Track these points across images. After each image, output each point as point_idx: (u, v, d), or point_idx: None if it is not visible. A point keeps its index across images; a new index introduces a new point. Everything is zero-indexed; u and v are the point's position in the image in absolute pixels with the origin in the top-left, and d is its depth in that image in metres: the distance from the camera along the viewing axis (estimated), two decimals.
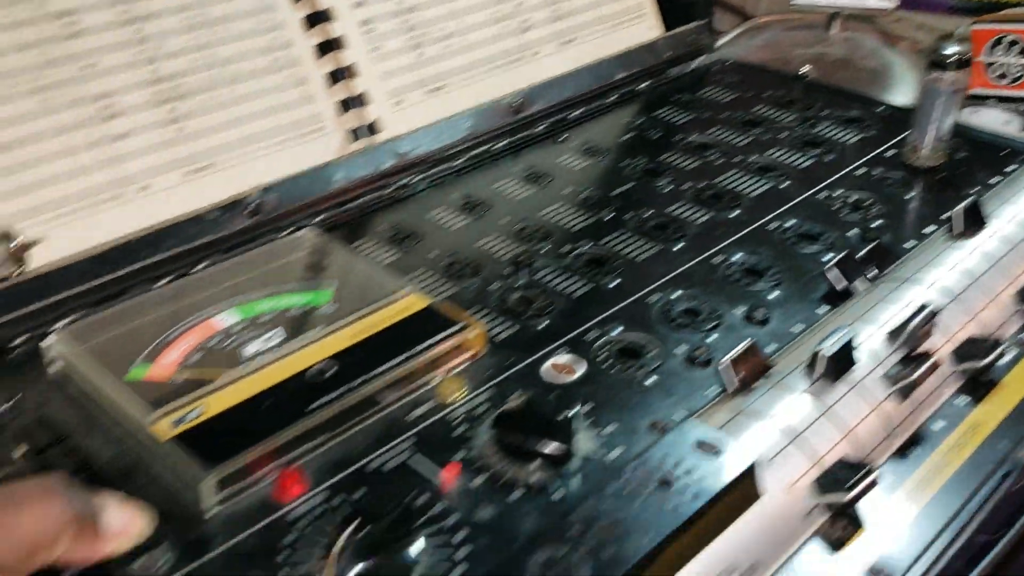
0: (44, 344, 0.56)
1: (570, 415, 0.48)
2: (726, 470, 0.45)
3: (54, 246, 0.61)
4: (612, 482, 0.46)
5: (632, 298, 0.63)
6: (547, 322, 0.60)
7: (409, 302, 0.59)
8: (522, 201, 0.75)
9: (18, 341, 0.58)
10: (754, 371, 0.53)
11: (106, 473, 0.47)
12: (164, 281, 0.63)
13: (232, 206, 0.67)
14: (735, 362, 0.53)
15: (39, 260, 0.60)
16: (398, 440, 0.51)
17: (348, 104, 0.75)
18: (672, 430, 0.49)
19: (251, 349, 0.55)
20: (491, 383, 0.55)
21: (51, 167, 0.62)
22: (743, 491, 0.45)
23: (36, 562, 0.39)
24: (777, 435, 0.49)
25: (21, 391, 0.54)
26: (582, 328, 0.60)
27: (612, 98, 0.91)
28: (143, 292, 0.61)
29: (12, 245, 0.57)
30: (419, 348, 0.55)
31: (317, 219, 0.71)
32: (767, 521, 0.45)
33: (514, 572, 0.41)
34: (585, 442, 0.50)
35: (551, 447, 0.48)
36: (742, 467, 0.45)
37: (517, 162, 0.81)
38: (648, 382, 0.55)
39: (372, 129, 0.76)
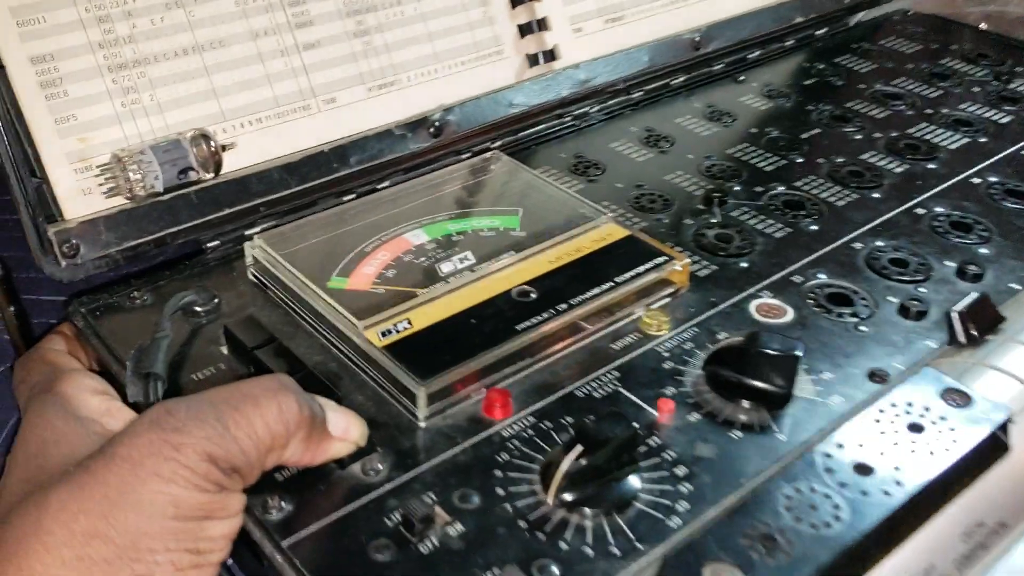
0: (246, 246, 0.55)
1: (797, 353, 0.45)
2: (980, 421, 0.42)
3: (246, 153, 0.60)
4: (851, 425, 0.43)
5: (834, 244, 0.59)
6: (748, 262, 0.57)
7: (608, 229, 0.56)
8: (706, 138, 0.72)
9: (213, 243, 0.57)
10: (986, 323, 0.50)
11: (312, 379, 0.46)
12: (350, 197, 0.62)
13: (416, 124, 0.65)
14: (966, 313, 0.49)
15: (232, 165, 0.59)
16: (603, 370, 0.49)
17: (528, 28, 0.73)
18: (908, 377, 0.46)
19: (446, 268, 0.54)
20: (696, 319, 0.52)
21: (244, 72, 0.61)
22: (992, 444, 0.42)
23: (269, 461, 0.39)
24: (1017, 389, 0.46)
25: (220, 291, 0.54)
26: (786, 271, 0.57)
27: (789, 42, 0.87)
28: (331, 205, 0.60)
29: (210, 146, 0.56)
30: (624, 277, 0.52)
31: (496, 144, 0.69)
32: (1016, 477, 0.42)
33: (756, 511, 0.39)
34: (804, 385, 0.48)
35: (775, 387, 0.45)
36: (996, 419, 0.42)
37: (696, 99, 0.77)
38: (861, 330, 0.52)
39: (551, 56, 0.74)
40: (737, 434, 0.45)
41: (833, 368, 0.49)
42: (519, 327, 0.48)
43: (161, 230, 0.55)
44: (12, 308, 0.59)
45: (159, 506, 0.35)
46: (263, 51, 0.62)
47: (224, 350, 0.49)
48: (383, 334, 0.48)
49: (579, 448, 0.41)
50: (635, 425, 0.41)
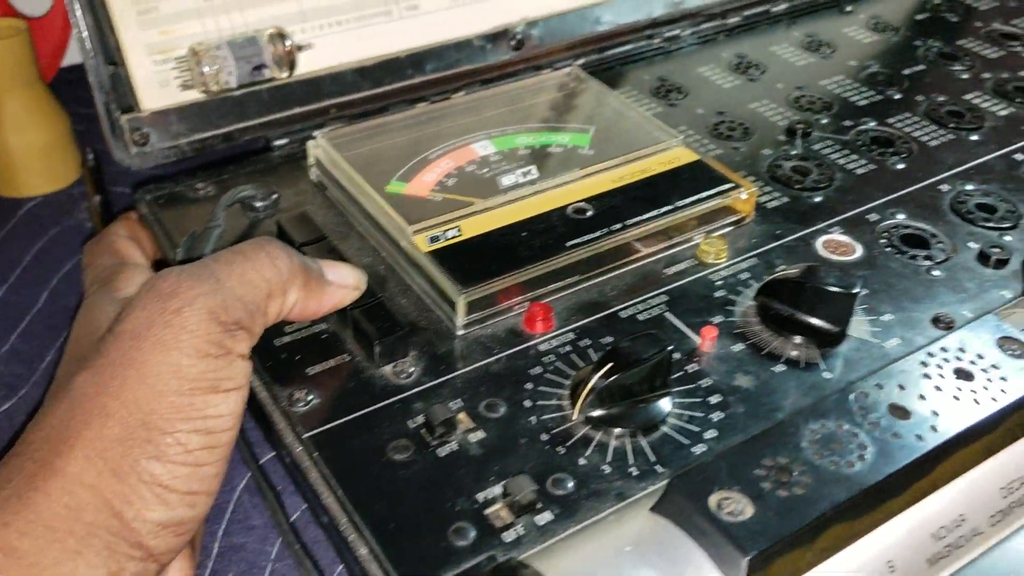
0: (309, 145, 0.55)
1: (855, 291, 0.43)
2: None
3: (321, 54, 0.60)
4: (895, 367, 0.41)
5: (920, 184, 0.56)
6: (823, 197, 0.55)
7: (678, 153, 0.54)
8: (800, 68, 0.68)
9: (281, 141, 0.58)
10: None
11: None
12: (423, 104, 0.61)
13: (497, 36, 0.64)
14: None
15: (306, 66, 0.59)
16: (652, 294, 0.48)
17: None
18: (969, 323, 0.44)
19: (507, 181, 0.53)
20: (757, 251, 0.51)
21: None
22: None
23: (271, 311, 0.39)
24: None
25: (281, 188, 0.54)
26: (862, 208, 0.54)
27: None
28: (403, 111, 0.60)
29: (285, 45, 0.56)
30: (685, 202, 0.51)
31: (579, 62, 0.67)
32: None
33: (778, 442, 0.38)
34: (860, 325, 0.46)
35: (828, 324, 0.44)
36: None
37: (796, 28, 0.74)
38: (933, 274, 0.49)
39: None
40: (780, 368, 0.43)
41: (896, 310, 0.47)
42: (569, 243, 0.47)
43: (230, 124, 0.56)
44: (98, 198, 0.62)
45: (164, 379, 0.34)
46: None
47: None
48: (431, 240, 0.47)
49: (609, 365, 0.40)
50: (670, 348, 0.40)
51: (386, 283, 0.48)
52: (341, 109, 0.59)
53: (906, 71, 0.68)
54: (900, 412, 0.37)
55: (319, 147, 0.55)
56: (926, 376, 0.39)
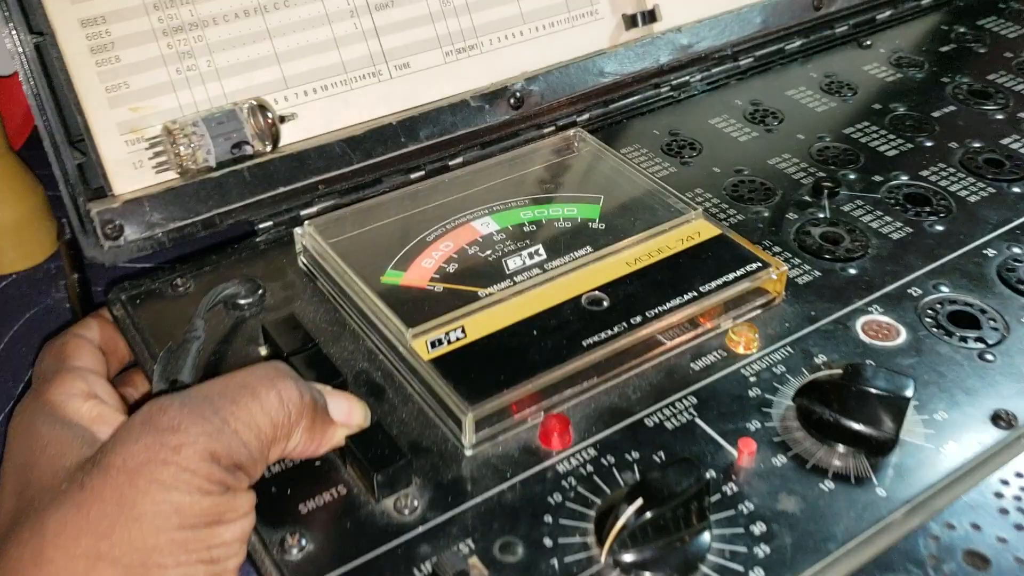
0: (295, 233, 0.51)
1: (907, 393, 0.39)
2: None
3: (307, 124, 0.55)
4: (966, 499, 0.36)
5: (963, 249, 0.52)
6: (857, 269, 0.50)
7: (698, 227, 0.50)
8: (821, 115, 0.64)
9: (266, 224, 0.53)
10: None
11: (359, 386, 0.42)
12: (419, 174, 0.57)
13: (495, 94, 0.59)
14: None
15: (290, 137, 0.54)
16: (679, 395, 0.43)
17: None
18: None
19: (513, 264, 0.48)
20: (790, 338, 0.46)
21: (308, 35, 0.56)
22: None
23: (273, 454, 0.36)
24: None
25: (268, 281, 0.50)
26: (902, 281, 0.49)
27: (926, 1, 0.77)
28: (397, 184, 0.55)
29: (267, 117, 0.52)
30: (710, 286, 0.46)
31: (583, 117, 0.62)
32: None
33: None
34: (911, 426, 0.41)
35: (878, 432, 0.39)
36: None
37: (814, 68, 0.69)
38: (987, 359, 0.45)
39: (650, 17, 0.66)
40: (828, 485, 0.39)
41: (949, 406, 0.42)
42: (586, 342, 0.43)
43: (211, 210, 0.51)
44: (76, 275, 0.57)
45: (163, 517, 0.32)
46: (331, 11, 0.57)
47: (263, 350, 0.46)
48: (432, 344, 0.43)
49: (639, 502, 0.35)
50: (709, 475, 0.36)
51: (384, 392, 0.43)
52: (330, 184, 0.55)
53: (935, 113, 0.63)
54: (978, 560, 0.33)
55: (307, 234, 0.50)
56: (1003, 511, 0.35)
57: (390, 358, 0.44)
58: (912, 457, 0.40)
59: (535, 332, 0.44)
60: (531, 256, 0.49)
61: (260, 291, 0.48)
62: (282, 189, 0.53)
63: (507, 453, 0.41)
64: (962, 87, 0.66)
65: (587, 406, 0.43)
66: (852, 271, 0.50)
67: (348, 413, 0.39)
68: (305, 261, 0.50)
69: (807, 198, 0.56)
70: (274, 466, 0.40)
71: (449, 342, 0.43)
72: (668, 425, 0.42)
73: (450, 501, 0.38)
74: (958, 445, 0.40)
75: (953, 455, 0.40)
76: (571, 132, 0.59)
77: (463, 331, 0.44)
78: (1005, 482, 0.36)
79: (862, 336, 0.46)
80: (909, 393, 0.39)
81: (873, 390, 0.39)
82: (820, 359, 0.45)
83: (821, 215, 0.54)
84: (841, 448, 0.40)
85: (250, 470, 0.35)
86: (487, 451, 0.41)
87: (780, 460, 0.40)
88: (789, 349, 0.45)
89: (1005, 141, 0.60)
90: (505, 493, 0.39)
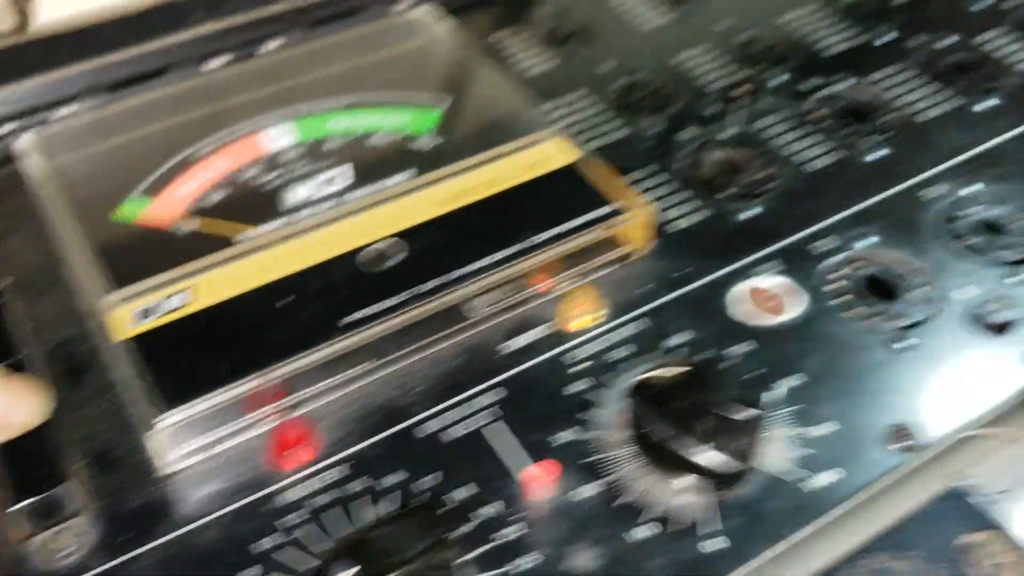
0: (15, 148, 0.39)
1: (756, 414, 0.28)
2: None
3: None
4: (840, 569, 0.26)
5: (900, 186, 0.39)
6: (758, 209, 0.38)
7: (551, 150, 0.38)
8: None
9: (7, 128, 0.41)
10: None
11: (54, 364, 0.32)
12: (216, 61, 0.44)
13: None
14: None
15: (47, 15, 0.42)
16: (478, 388, 0.32)
17: None
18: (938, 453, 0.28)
19: (298, 194, 0.37)
20: (644, 308, 0.35)
21: None
22: None
23: None
24: None
25: None
26: (811, 229, 0.37)
27: None
28: (183, 78, 0.43)
29: None
30: (543, 237, 0.34)
31: None
32: None
33: None
34: (777, 445, 0.30)
35: (716, 459, 0.28)
36: None
37: None
38: (900, 346, 0.33)
39: None
40: (645, 532, 0.28)
41: (838, 415, 0.31)
42: (344, 321, 0.32)
43: None
44: None
45: None
46: None
47: None
48: (143, 314, 0.32)
49: (354, 569, 0.25)
50: (491, 511, 0.26)
51: (83, 376, 0.33)
52: (96, 76, 0.43)
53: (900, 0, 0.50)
54: None
55: (30, 147, 0.38)
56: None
57: (96, 330, 0.34)
58: (770, 494, 0.29)
59: (290, 299, 0.33)
60: (328, 182, 0.37)
61: None
62: (32, 81, 0.42)
63: (222, 473, 0.30)
64: None
65: (347, 407, 0.32)
66: (750, 212, 0.38)
67: (5, 412, 0.29)
68: (28, 187, 0.39)
69: (713, 110, 0.43)
70: None
71: (164, 311, 0.32)
72: (451, 433, 0.31)
73: (121, 544, 0.28)
74: (836, 476, 0.30)
75: (825, 492, 0.29)
76: (420, 10, 0.46)
77: (190, 294, 0.33)
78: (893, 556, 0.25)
79: (741, 307, 0.35)
80: (758, 412, 0.28)
81: (711, 404, 0.28)
82: (677, 340, 0.33)
83: (726, 133, 0.42)
84: (674, 484, 0.29)
85: None
86: (197, 469, 0.30)
87: (587, 490, 0.29)
88: (643, 322, 0.34)
89: (979, 40, 0.47)
90: (204, 531, 0.29)
